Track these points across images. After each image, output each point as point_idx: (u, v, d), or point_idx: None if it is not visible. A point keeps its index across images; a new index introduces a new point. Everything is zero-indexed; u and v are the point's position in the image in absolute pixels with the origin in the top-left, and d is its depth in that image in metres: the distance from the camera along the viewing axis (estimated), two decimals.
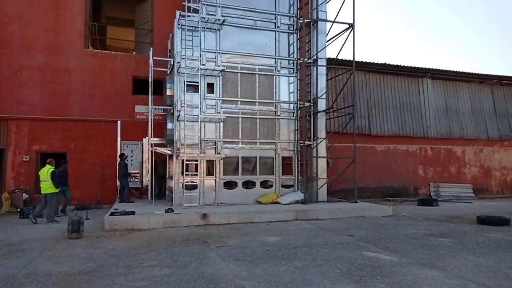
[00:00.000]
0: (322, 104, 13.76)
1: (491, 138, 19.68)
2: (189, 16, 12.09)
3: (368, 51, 48.76)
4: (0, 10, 13.63)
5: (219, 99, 12.50)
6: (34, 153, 13.74)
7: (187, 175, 11.79)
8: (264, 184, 12.97)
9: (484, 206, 14.86)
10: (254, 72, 12.96)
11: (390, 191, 17.48)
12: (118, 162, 13.16)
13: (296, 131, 13.31)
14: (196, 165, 12.14)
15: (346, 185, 14.81)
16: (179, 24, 12.10)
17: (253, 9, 12.99)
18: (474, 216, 11.01)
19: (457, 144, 19.06)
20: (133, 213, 9.98)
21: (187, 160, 11.71)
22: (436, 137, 18.57)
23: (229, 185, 12.56)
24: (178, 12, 12.05)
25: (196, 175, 12.06)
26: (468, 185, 18.83)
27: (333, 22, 13.86)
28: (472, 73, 19.55)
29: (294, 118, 13.35)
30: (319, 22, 13.74)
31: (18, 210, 11.91)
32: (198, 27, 12.11)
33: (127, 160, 13.35)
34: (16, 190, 13.18)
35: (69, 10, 14.33)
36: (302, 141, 13.17)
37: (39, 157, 13.86)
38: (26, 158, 13.58)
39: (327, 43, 14.11)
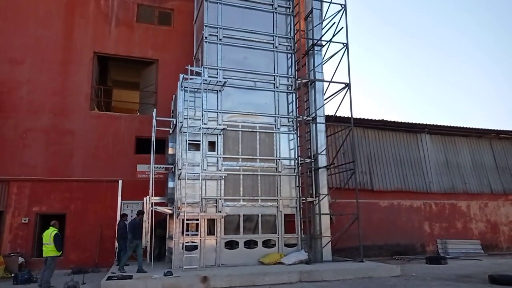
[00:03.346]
0: (322, 160, 13.85)
1: (494, 192, 19.47)
2: (192, 78, 12.63)
3: (366, 106, 50.13)
4: (12, 77, 14.25)
5: (220, 157, 12.61)
6: (34, 214, 13.56)
7: (187, 235, 11.53)
8: (267, 244, 12.63)
9: (495, 263, 14.30)
10: (254, 130, 13.22)
11: (397, 248, 16.94)
12: (117, 222, 12.92)
13: (297, 188, 13.24)
14: (197, 224, 11.92)
15: (351, 242, 14.38)
16: (182, 86, 12.59)
17: (252, 71, 13.59)
18: (486, 275, 10.57)
19: (461, 198, 18.82)
20: (130, 277, 9.61)
21: (187, 219, 11.52)
22: (439, 192, 18.39)
23: (231, 245, 12.23)
24: (181, 76, 12.61)
25: (197, 235, 11.79)
26: (476, 241, 18.27)
27: (330, 82, 14.42)
28: (469, 128, 19.86)
29: (295, 174, 13.35)
30: (316, 82, 14.30)
31: (12, 275, 11.47)
32: (200, 89, 12.59)
33: (126, 221, 13.11)
34: (12, 254, 12.79)
35: (77, 75, 14.98)
36: (304, 198, 13.05)
37: (38, 219, 13.66)
38: (25, 220, 13.38)
39: (325, 101, 14.57)
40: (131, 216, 14.18)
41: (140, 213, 11.79)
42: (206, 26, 13.37)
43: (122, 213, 13.24)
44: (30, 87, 14.37)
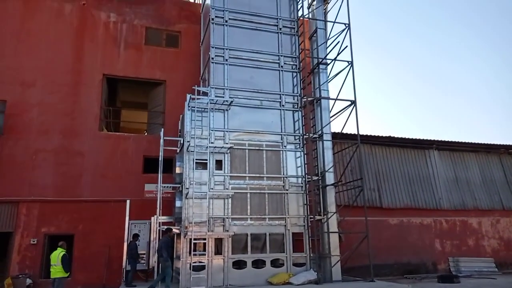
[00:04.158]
0: (330, 178, 13.79)
1: (506, 208, 19.13)
2: (199, 98, 12.81)
3: (372, 123, 50.05)
4: (23, 99, 14.53)
5: (227, 175, 12.63)
6: (42, 235, 13.59)
7: (194, 254, 11.45)
8: (275, 263, 12.48)
9: (510, 282, 13.93)
10: (261, 148, 13.26)
11: (408, 267, 16.61)
12: (128, 243, 12.88)
13: (305, 206, 13.15)
14: (204, 244, 11.85)
15: (362, 261, 14.14)
16: (189, 106, 12.75)
17: (259, 91, 13.74)
18: None
19: (471, 215, 18.50)
20: None
21: (195, 239, 11.47)
22: (450, 208, 18.12)
23: (238, 264, 12.10)
24: (188, 96, 12.80)
25: (204, 254, 11.70)
26: (489, 259, 17.86)
27: (336, 99, 14.49)
28: (478, 143, 19.70)
29: (302, 192, 13.29)
30: (322, 100, 14.39)
31: None
32: (207, 108, 12.74)
33: (137, 242, 13.06)
34: (20, 276, 12.77)
35: (87, 97, 15.24)
36: (312, 216, 12.94)
37: (47, 240, 13.68)
38: (34, 241, 13.40)
39: (331, 119, 14.62)
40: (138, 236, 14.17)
41: (169, 230, 11.83)
42: (213, 47, 13.63)
43: (134, 233, 13.20)
44: (40, 109, 14.63)
